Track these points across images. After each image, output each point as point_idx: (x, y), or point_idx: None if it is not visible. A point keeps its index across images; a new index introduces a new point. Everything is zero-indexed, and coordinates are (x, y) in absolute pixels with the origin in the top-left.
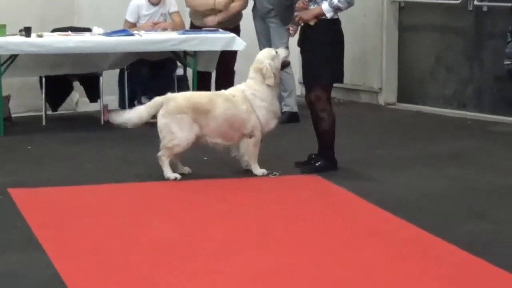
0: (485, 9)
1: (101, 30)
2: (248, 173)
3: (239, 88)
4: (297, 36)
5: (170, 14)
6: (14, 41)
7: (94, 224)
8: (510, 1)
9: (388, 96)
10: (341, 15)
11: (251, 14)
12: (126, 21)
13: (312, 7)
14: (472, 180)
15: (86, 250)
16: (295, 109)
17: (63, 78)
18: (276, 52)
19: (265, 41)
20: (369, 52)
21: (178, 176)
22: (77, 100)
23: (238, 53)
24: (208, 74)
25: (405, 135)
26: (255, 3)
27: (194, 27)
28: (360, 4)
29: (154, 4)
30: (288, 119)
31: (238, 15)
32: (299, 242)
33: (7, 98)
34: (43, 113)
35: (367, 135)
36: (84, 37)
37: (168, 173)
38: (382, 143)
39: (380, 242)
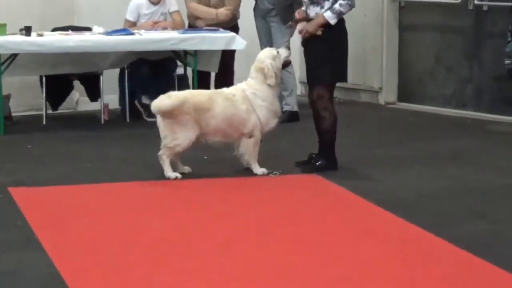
0: (485, 8)
1: (101, 29)
2: (248, 172)
3: (239, 87)
4: (296, 36)
5: (171, 13)
6: (14, 40)
7: (94, 223)
8: (510, 1)
9: (388, 95)
10: None
11: (251, 13)
12: (126, 20)
13: (312, 8)
14: (471, 180)
15: (86, 249)
16: (295, 108)
17: (63, 77)
18: (278, 52)
19: (266, 40)
20: (369, 52)
21: (179, 175)
22: (78, 99)
23: (238, 52)
24: (207, 74)
25: (405, 135)
26: (256, 2)
27: (192, 27)
28: (361, 3)
29: (154, 3)
30: (289, 118)
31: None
32: (299, 242)
33: (7, 97)
34: (44, 112)
35: (367, 134)
36: (85, 36)
37: (169, 172)
38: (382, 143)
39: (380, 241)
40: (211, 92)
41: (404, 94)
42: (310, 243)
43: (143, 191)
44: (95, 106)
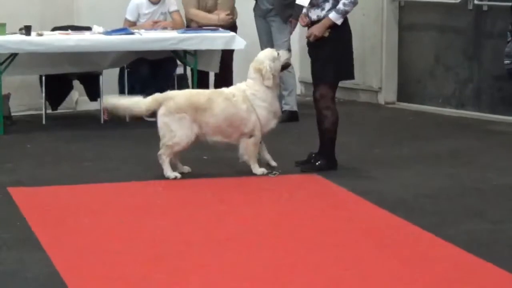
0: (485, 8)
1: (101, 29)
2: (248, 172)
3: (240, 87)
4: (296, 35)
5: (170, 13)
6: (14, 40)
7: (93, 223)
8: (510, 0)
9: (387, 95)
10: None
11: (250, 13)
12: (126, 20)
13: (313, 11)
14: (471, 180)
15: (86, 248)
16: (295, 108)
17: (63, 77)
18: (278, 54)
19: (266, 39)
20: (369, 51)
21: (178, 175)
22: (77, 99)
23: (237, 51)
24: (206, 73)
25: (404, 135)
26: (256, 2)
27: (188, 27)
28: (360, 3)
29: (154, 3)
30: (288, 118)
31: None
32: (298, 241)
33: (7, 96)
34: (43, 112)
35: (367, 134)
36: (84, 36)
37: (168, 172)
38: (381, 143)
39: (379, 241)
40: (211, 92)
41: (403, 94)
42: (310, 243)
43: (142, 191)
44: (94, 105)
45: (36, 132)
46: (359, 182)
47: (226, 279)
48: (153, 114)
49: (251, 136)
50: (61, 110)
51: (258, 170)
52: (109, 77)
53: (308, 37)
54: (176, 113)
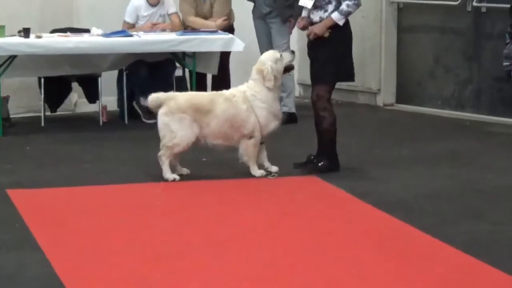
0: (483, 10)
1: (100, 31)
2: (247, 174)
3: (240, 88)
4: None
5: (169, 15)
6: (13, 42)
7: (92, 224)
8: (508, 2)
9: (386, 97)
10: None
11: (248, 15)
12: (124, 22)
13: (316, 13)
14: (470, 181)
15: (84, 250)
16: (293, 109)
17: (62, 79)
18: (281, 55)
19: (266, 40)
20: (368, 53)
21: (177, 177)
22: (76, 101)
23: (235, 54)
24: (204, 75)
25: (403, 136)
26: (255, 5)
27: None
28: None
29: (153, 5)
30: (287, 119)
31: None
32: (298, 242)
33: (6, 98)
34: (42, 114)
35: (366, 136)
36: (83, 38)
37: (167, 173)
38: (380, 144)
39: (378, 242)
40: (212, 93)
41: (402, 95)
42: (309, 243)
43: (141, 193)
44: (93, 107)
45: (35, 134)
46: (359, 183)
47: (226, 279)
48: (152, 115)
49: (251, 137)
50: (60, 112)
51: (257, 172)
52: (108, 79)
53: (308, 35)
54: (177, 113)
